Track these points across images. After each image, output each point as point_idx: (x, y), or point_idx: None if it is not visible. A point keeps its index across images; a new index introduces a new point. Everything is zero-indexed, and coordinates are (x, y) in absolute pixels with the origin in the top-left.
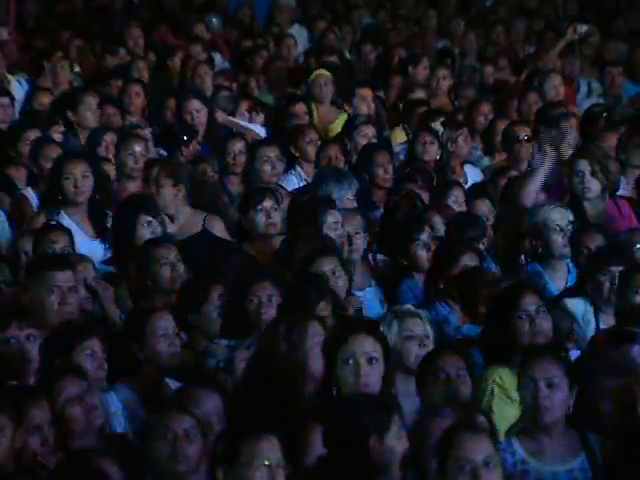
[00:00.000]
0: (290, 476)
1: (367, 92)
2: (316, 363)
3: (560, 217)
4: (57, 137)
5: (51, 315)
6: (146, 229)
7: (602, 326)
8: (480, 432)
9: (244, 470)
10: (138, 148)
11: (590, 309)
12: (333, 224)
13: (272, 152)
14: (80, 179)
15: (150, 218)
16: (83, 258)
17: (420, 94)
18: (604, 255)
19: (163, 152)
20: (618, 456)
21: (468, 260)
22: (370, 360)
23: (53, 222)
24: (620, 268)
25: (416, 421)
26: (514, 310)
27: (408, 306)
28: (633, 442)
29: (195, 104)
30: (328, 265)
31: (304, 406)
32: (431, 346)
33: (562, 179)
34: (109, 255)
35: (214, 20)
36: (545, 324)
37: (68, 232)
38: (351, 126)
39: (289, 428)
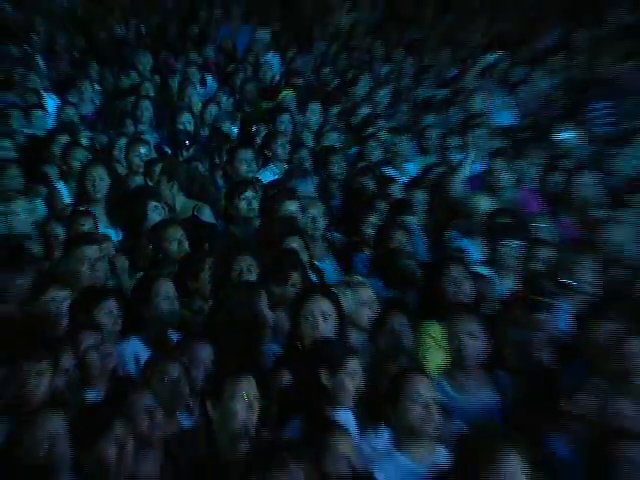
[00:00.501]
0: (264, 407)
1: (317, 106)
2: (269, 318)
3: (487, 204)
4: (84, 142)
5: (83, 281)
6: (155, 212)
7: (503, 290)
8: (427, 376)
9: (228, 402)
10: (143, 150)
11: (494, 276)
12: (296, 210)
13: (247, 154)
14: (98, 181)
15: (157, 203)
16: (106, 237)
17: (365, 110)
18: (506, 230)
19: (168, 150)
20: (522, 392)
21: (400, 237)
22: (325, 317)
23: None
24: (518, 242)
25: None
26: (443, 276)
27: (357, 277)
28: (531, 381)
29: (187, 117)
30: (294, 242)
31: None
32: (377, 308)
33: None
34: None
35: (209, 50)
36: (468, 288)
37: (93, 216)
38: (319, 132)
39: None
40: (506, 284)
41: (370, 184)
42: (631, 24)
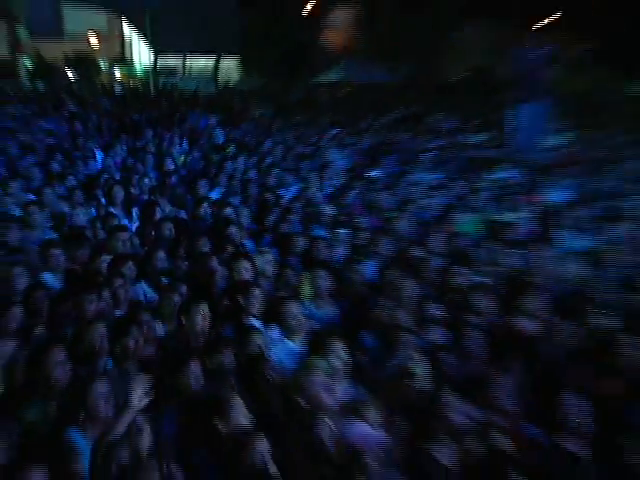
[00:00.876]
0: (213, 319)
1: (242, 158)
2: (217, 271)
3: (332, 210)
4: (117, 177)
5: (118, 251)
6: (159, 213)
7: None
8: (301, 301)
9: (192, 316)
10: (147, 181)
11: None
12: (231, 213)
13: (204, 183)
14: (116, 192)
15: (159, 208)
16: (128, 227)
17: (269, 159)
18: (341, 223)
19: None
20: (349, 308)
21: (287, 226)
22: (246, 270)
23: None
24: (347, 229)
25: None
26: (312, 247)
27: (266, 248)
28: (354, 303)
29: (169, 162)
30: (231, 230)
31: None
32: (275, 266)
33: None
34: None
35: (185, 127)
36: (325, 253)
37: (117, 215)
38: (244, 171)
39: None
40: (341, 251)
41: (270, 198)
42: (406, 115)
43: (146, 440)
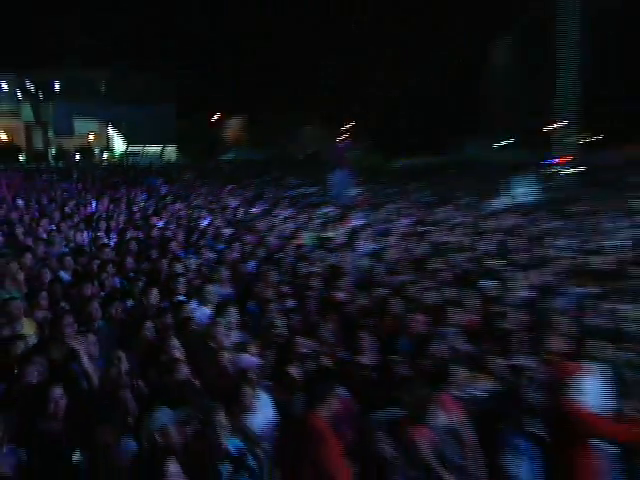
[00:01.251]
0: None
1: (179, 203)
2: (163, 268)
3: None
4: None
5: (105, 258)
6: (129, 235)
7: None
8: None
9: (148, 295)
10: (121, 217)
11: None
12: (170, 235)
13: (155, 216)
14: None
15: (128, 232)
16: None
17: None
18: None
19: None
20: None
21: (202, 243)
22: (179, 268)
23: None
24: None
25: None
26: (218, 254)
27: (190, 255)
28: (245, 286)
29: (135, 206)
30: (173, 244)
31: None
32: (196, 265)
33: None
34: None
35: (144, 186)
36: (226, 256)
37: (102, 237)
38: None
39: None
40: (235, 255)
41: (193, 225)
42: (272, 178)
43: (124, 365)
